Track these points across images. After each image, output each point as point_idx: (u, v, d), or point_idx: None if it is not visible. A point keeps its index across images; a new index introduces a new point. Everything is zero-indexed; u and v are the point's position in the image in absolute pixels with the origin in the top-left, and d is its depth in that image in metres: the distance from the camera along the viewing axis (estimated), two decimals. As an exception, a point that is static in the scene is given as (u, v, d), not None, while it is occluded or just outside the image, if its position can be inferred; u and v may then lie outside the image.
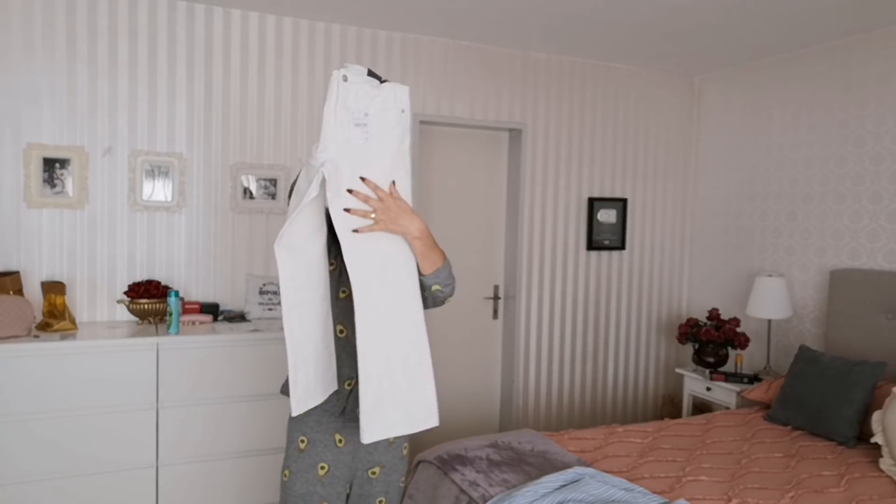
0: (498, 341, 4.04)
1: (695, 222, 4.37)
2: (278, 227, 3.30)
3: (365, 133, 1.47)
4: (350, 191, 1.46)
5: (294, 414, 1.51)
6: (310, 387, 1.55)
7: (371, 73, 1.50)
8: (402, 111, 1.51)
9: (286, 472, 1.75)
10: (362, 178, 1.47)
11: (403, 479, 1.82)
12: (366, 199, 1.46)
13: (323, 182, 1.47)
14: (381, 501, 1.75)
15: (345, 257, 1.46)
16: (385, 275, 1.49)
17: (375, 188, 1.47)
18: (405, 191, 1.52)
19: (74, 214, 2.95)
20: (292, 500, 1.71)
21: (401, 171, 1.52)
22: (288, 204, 1.60)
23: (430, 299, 1.61)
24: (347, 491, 1.76)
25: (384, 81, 1.51)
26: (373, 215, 1.47)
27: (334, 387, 1.65)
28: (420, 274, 1.56)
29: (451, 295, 1.65)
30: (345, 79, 1.45)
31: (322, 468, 1.71)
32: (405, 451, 1.80)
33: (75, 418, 2.54)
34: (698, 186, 4.34)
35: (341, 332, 1.73)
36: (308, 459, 1.71)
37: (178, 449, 2.70)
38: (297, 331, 1.53)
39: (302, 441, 1.74)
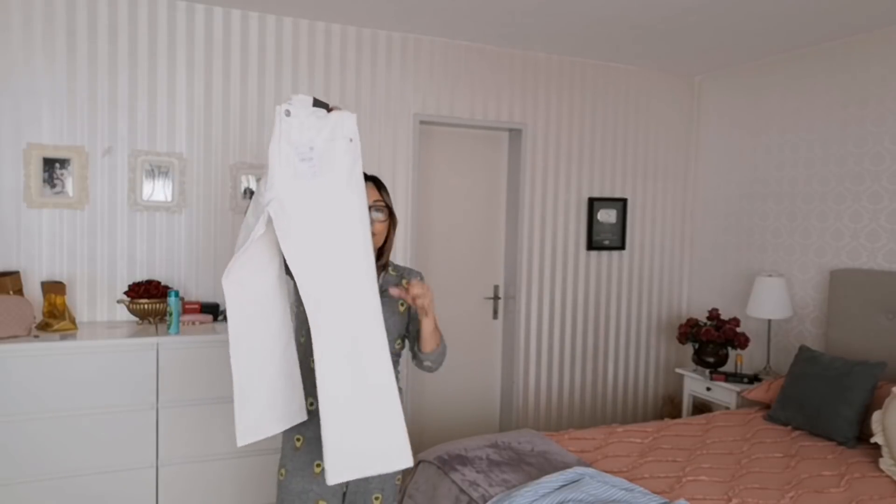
0: (498, 341, 4.03)
1: (695, 222, 4.37)
2: (278, 227, 3.31)
3: (312, 168, 1.43)
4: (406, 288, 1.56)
5: (239, 444, 1.51)
6: (261, 418, 1.54)
7: (317, 103, 1.46)
8: (350, 140, 1.47)
9: (282, 470, 1.77)
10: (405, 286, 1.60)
11: (399, 476, 1.82)
12: (423, 294, 1.56)
13: (269, 221, 1.42)
14: (377, 499, 1.75)
15: (301, 295, 1.41)
16: (343, 304, 1.43)
17: (419, 289, 1.56)
18: (362, 218, 1.46)
19: (74, 214, 2.95)
20: (289, 498, 1.72)
21: (355, 201, 1.46)
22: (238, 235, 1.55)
23: (419, 367, 1.80)
24: (344, 489, 1.76)
25: (331, 110, 1.48)
26: (427, 301, 1.58)
27: (301, 417, 1.64)
28: (420, 350, 1.72)
29: (435, 370, 1.81)
30: (287, 113, 1.42)
31: (318, 466, 1.71)
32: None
33: (75, 418, 2.54)
34: (698, 186, 4.34)
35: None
36: (303, 458, 1.72)
37: (178, 449, 2.70)
38: (243, 363, 1.51)
39: (297, 440, 1.75)
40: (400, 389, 1.83)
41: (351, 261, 1.43)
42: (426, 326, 1.66)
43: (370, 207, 1.63)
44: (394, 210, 1.80)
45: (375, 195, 1.75)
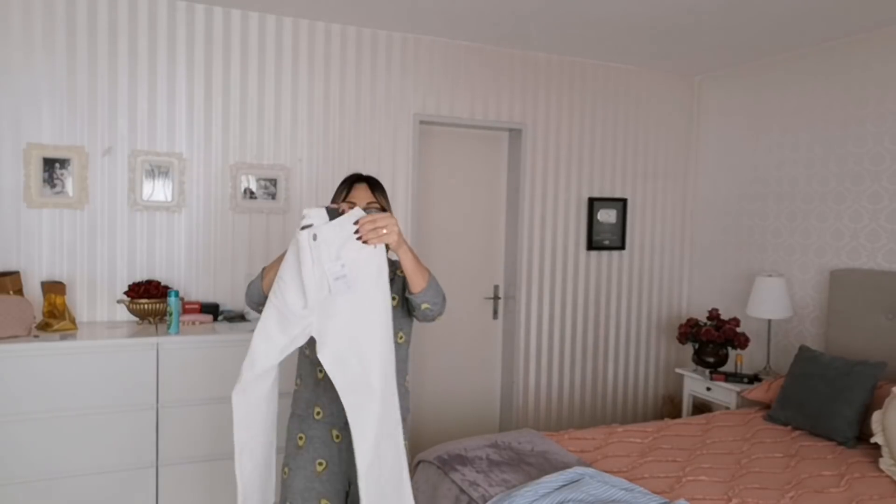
0: (498, 341, 4.03)
1: (695, 222, 4.37)
2: (278, 227, 3.31)
3: (346, 283, 1.49)
4: (356, 223, 1.51)
5: None
6: None
7: (331, 213, 1.51)
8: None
9: (285, 469, 1.78)
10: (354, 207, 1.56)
11: None
12: (373, 221, 1.49)
13: (310, 342, 1.53)
14: None
15: (339, 393, 1.49)
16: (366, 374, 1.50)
17: (376, 222, 1.51)
18: (386, 310, 1.52)
19: (74, 214, 2.95)
20: (291, 496, 1.73)
21: (379, 298, 1.51)
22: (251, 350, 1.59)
23: (421, 316, 1.71)
24: (347, 489, 1.76)
25: (342, 211, 1.52)
26: (384, 231, 1.49)
27: (270, 500, 1.70)
28: (410, 292, 1.63)
29: (440, 313, 1.71)
30: (314, 237, 1.46)
31: (320, 464, 1.72)
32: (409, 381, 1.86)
33: (75, 418, 2.54)
34: (698, 186, 4.34)
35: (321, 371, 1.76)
36: (306, 455, 1.73)
37: (178, 449, 2.70)
38: (248, 469, 1.61)
39: (300, 438, 1.76)
40: (407, 390, 1.83)
41: (377, 354, 1.50)
42: (405, 262, 1.57)
43: (364, 209, 1.62)
44: (390, 211, 1.77)
45: (368, 196, 1.73)
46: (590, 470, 2.18)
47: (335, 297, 1.48)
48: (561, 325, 4.04)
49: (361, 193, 1.74)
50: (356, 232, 1.49)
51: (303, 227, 1.48)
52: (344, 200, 1.72)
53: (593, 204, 4.05)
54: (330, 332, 1.49)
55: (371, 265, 1.50)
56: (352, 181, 1.77)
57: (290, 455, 1.77)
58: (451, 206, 3.83)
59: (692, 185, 4.37)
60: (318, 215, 1.49)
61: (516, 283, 3.88)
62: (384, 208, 1.75)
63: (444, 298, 1.70)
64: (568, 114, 3.97)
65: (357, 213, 1.51)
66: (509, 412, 3.96)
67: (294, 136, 3.32)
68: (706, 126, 4.27)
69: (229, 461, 2.76)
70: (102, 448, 2.58)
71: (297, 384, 1.83)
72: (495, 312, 4.01)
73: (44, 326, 2.71)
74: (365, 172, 1.86)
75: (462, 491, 2.21)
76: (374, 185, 1.77)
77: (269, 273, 1.68)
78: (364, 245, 1.49)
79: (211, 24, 3.14)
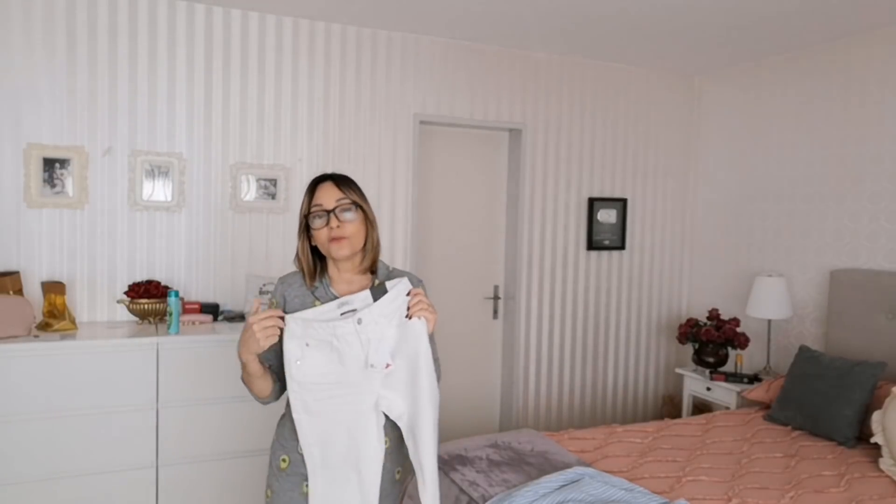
0: (498, 341, 4.03)
1: (695, 222, 4.37)
2: (278, 226, 3.31)
3: (395, 362, 1.51)
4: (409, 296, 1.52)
5: None
6: None
7: (377, 292, 1.51)
8: (408, 295, 1.52)
9: (268, 490, 1.67)
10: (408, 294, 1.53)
11: (399, 471, 1.69)
12: (420, 301, 1.50)
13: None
14: None
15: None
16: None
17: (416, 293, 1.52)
18: (427, 359, 1.54)
19: (74, 214, 2.95)
20: None
21: (426, 371, 1.53)
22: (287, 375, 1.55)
23: None
24: None
25: (379, 284, 1.53)
26: (428, 315, 1.51)
27: None
28: None
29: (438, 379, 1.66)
30: (359, 321, 1.47)
31: (305, 486, 1.60)
32: (398, 476, 1.68)
33: (75, 418, 2.54)
34: (698, 186, 4.34)
35: None
36: (290, 479, 1.62)
37: (178, 449, 2.70)
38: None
39: (283, 461, 1.64)
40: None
41: (429, 426, 1.53)
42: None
43: (332, 210, 1.55)
44: (366, 206, 1.62)
45: (336, 194, 1.56)
46: (590, 470, 2.18)
47: (382, 376, 1.51)
48: (561, 325, 4.04)
49: (327, 193, 1.57)
50: (408, 309, 1.50)
51: (343, 314, 1.47)
52: (309, 206, 1.58)
53: (593, 204, 4.05)
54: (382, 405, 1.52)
55: (421, 341, 1.51)
56: (315, 183, 1.61)
57: (272, 475, 1.66)
58: (452, 207, 3.83)
59: (692, 185, 4.37)
60: (360, 299, 1.50)
61: (516, 283, 3.88)
62: (356, 203, 1.58)
63: (438, 364, 1.67)
64: (568, 114, 3.97)
65: (404, 285, 1.51)
66: (509, 412, 3.96)
67: (294, 136, 3.32)
68: (706, 126, 4.27)
69: (230, 461, 2.78)
70: (102, 448, 2.58)
71: (286, 409, 1.68)
72: (495, 312, 4.01)
73: (44, 326, 2.71)
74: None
75: (462, 491, 2.21)
76: (341, 180, 1.60)
77: (252, 382, 1.59)
78: (409, 320, 1.50)
79: (211, 24, 3.14)
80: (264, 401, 1.65)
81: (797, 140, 3.63)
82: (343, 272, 1.62)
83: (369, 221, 1.61)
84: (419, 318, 1.49)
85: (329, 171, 1.80)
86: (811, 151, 3.55)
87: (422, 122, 3.61)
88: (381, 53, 3.48)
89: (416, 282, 1.65)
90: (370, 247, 1.62)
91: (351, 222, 1.56)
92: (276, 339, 1.46)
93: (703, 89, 4.30)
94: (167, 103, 3.08)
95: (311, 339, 1.48)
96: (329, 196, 1.56)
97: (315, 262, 1.62)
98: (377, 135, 3.48)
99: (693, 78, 4.32)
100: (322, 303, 1.58)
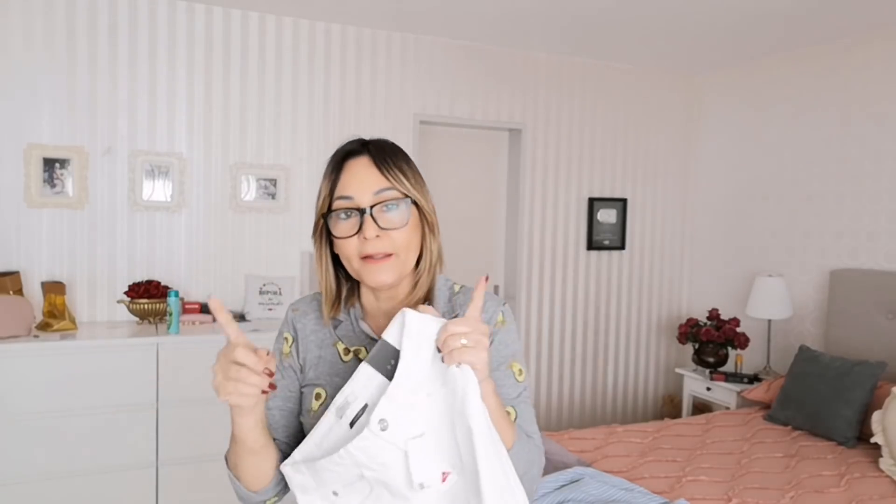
0: (498, 341, 4.03)
1: (695, 222, 4.36)
2: (278, 227, 3.31)
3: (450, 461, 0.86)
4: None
5: None
6: None
7: (378, 356, 0.86)
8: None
9: None
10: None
11: None
12: (452, 336, 0.81)
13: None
14: None
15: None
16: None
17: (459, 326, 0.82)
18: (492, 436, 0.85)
19: (74, 214, 2.95)
20: None
21: (470, 387, 0.80)
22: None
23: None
24: None
25: (397, 347, 0.85)
26: (471, 358, 0.81)
27: None
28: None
29: (538, 476, 0.99)
30: (384, 428, 0.81)
31: None
32: None
33: (75, 418, 2.54)
34: (698, 186, 4.34)
35: None
36: None
37: (178, 449, 2.70)
38: None
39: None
40: None
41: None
42: (485, 398, 0.83)
43: (370, 208, 0.95)
44: (424, 200, 1.00)
45: (377, 179, 0.97)
46: (590, 470, 2.18)
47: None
48: (561, 325, 4.04)
49: (362, 176, 0.99)
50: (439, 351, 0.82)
51: (352, 423, 0.85)
52: (330, 197, 1.00)
53: (593, 204, 4.05)
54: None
55: (470, 402, 0.81)
56: (342, 157, 1.05)
57: None
58: (451, 206, 3.83)
59: (692, 185, 4.37)
60: (362, 384, 0.86)
61: (516, 283, 3.88)
62: (409, 196, 0.98)
63: (540, 450, 0.99)
64: (568, 114, 3.96)
65: (428, 323, 0.83)
66: (509, 412, 3.95)
67: (294, 136, 3.32)
68: (706, 126, 4.27)
69: (229, 461, 2.78)
70: (102, 448, 2.58)
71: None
72: (495, 312, 4.00)
73: (44, 326, 2.71)
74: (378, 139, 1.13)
75: (462, 491, 2.21)
76: (384, 152, 1.02)
77: (241, 472, 0.95)
78: (448, 368, 0.82)
79: (211, 24, 3.14)
80: (257, 496, 0.97)
81: (797, 140, 3.63)
82: (383, 301, 1.03)
83: (428, 225, 1.01)
84: (458, 365, 0.80)
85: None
86: (811, 151, 3.55)
87: (422, 122, 3.61)
88: (381, 53, 3.48)
89: (493, 307, 1.01)
90: (427, 265, 1.01)
91: (399, 229, 0.96)
92: (249, 402, 0.85)
93: (703, 89, 4.30)
94: (167, 103, 3.08)
95: (335, 486, 0.87)
96: (365, 183, 0.97)
97: (339, 282, 1.04)
98: (377, 134, 3.47)
99: (693, 78, 4.32)
100: (348, 348, 1.03)
